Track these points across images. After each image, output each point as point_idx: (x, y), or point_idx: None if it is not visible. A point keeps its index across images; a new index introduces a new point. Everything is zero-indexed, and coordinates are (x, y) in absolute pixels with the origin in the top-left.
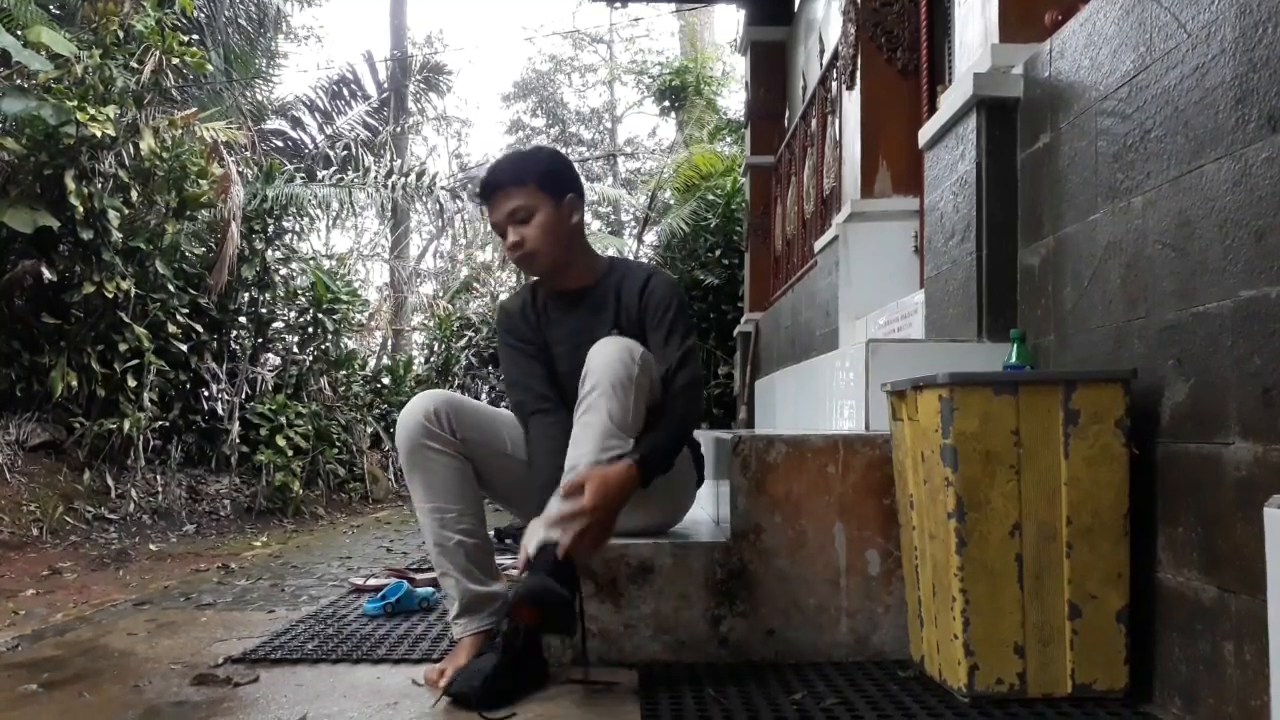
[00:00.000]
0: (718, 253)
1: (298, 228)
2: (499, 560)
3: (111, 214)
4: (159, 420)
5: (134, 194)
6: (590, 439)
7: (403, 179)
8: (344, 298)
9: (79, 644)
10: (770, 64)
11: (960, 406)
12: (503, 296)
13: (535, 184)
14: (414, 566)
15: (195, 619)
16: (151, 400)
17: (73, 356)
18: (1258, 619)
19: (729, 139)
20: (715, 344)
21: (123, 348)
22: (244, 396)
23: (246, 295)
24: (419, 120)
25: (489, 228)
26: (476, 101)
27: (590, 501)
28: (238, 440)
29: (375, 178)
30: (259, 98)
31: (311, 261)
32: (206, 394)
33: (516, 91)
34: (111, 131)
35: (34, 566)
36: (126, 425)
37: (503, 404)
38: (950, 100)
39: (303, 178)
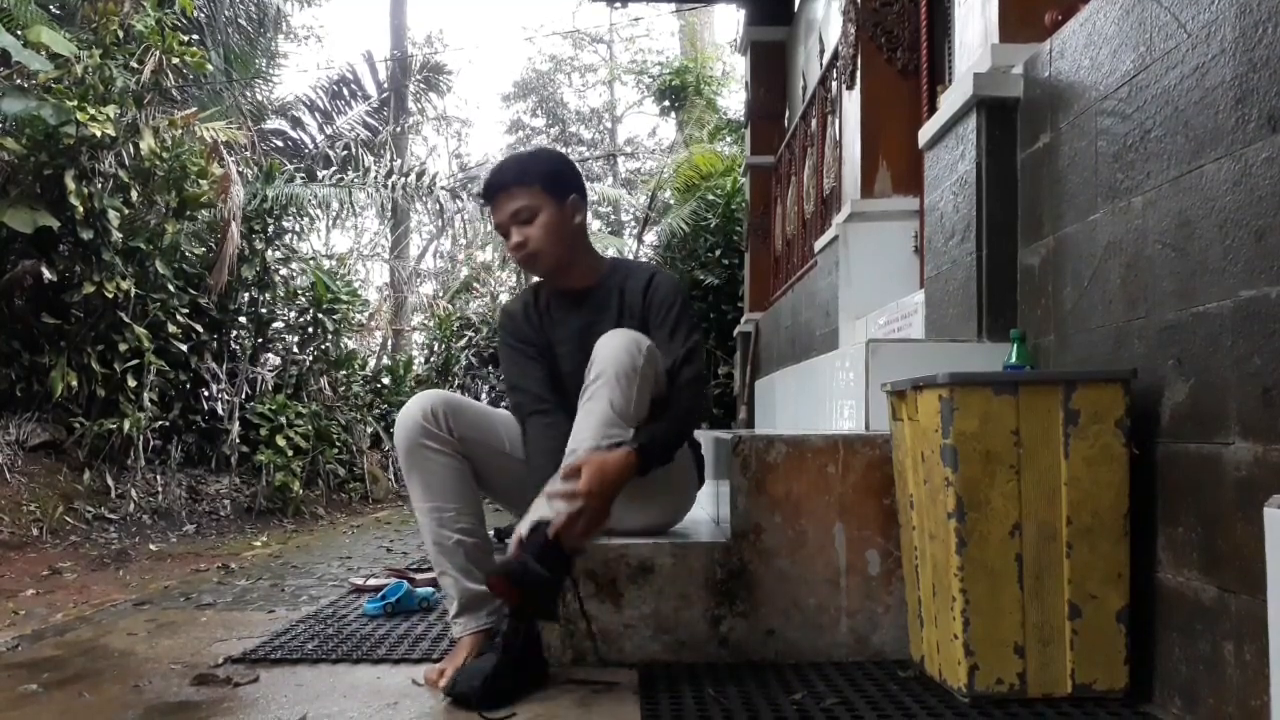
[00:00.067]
0: (718, 253)
1: (298, 228)
2: (498, 559)
3: (111, 214)
4: (159, 420)
5: (134, 194)
6: (591, 426)
7: (403, 179)
8: (344, 298)
9: (79, 644)
10: (770, 64)
11: (960, 406)
12: (503, 296)
13: (539, 185)
14: (414, 566)
15: (195, 619)
16: (151, 400)
17: (73, 356)
18: (1258, 619)
19: (729, 139)
20: (715, 344)
21: (123, 348)
22: (244, 396)
23: (246, 295)
24: (419, 120)
25: (490, 228)
26: (476, 101)
27: (586, 485)
28: (238, 440)
29: (375, 178)
30: (259, 98)
31: (311, 261)
32: (206, 394)
33: (516, 91)
34: (111, 131)
35: (34, 566)
36: (126, 425)
37: (502, 404)
38: (950, 100)
39: (303, 178)
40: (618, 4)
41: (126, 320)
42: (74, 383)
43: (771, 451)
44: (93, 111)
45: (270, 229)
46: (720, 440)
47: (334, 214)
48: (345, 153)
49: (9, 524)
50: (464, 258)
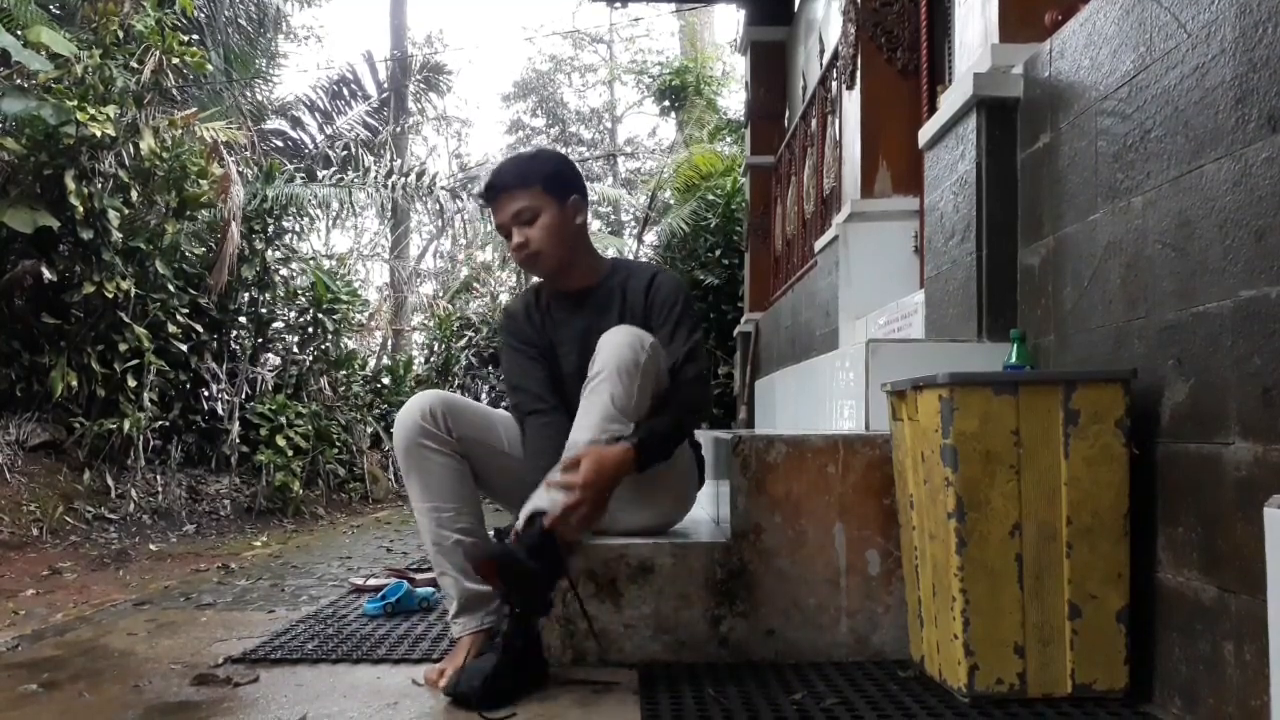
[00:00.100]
0: (718, 253)
1: (298, 228)
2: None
3: (111, 214)
4: (159, 420)
5: (134, 194)
6: (591, 420)
7: (403, 179)
8: (344, 298)
9: (79, 644)
10: (770, 64)
11: (960, 406)
12: (503, 296)
13: (540, 186)
14: (414, 566)
15: (195, 619)
16: (151, 400)
17: (73, 356)
18: (1258, 619)
19: (729, 139)
20: (715, 344)
21: (123, 348)
22: (244, 396)
23: (246, 295)
24: (419, 120)
25: (491, 228)
26: (476, 101)
27: (584, 477)
28: (238, 440)
29: (375, 178)
30: (259, 98)
31: (311, 261)
32: (206, 394)
33: (516, 91)
34: (111, 131)
35: (34, 566)
36: (126, 425)
37: (502, 404)
38: (950, 100)
39: (303, 178)
40: (618, 4)
41: (126, 320)
42: (74, 383)
43: (771, 451)
44: (93, 111)
45: (270, 229)
46: (720, 440)
47: (334, 214)
48: (345, 153)
49: (9, 524)
50: (464, 258)
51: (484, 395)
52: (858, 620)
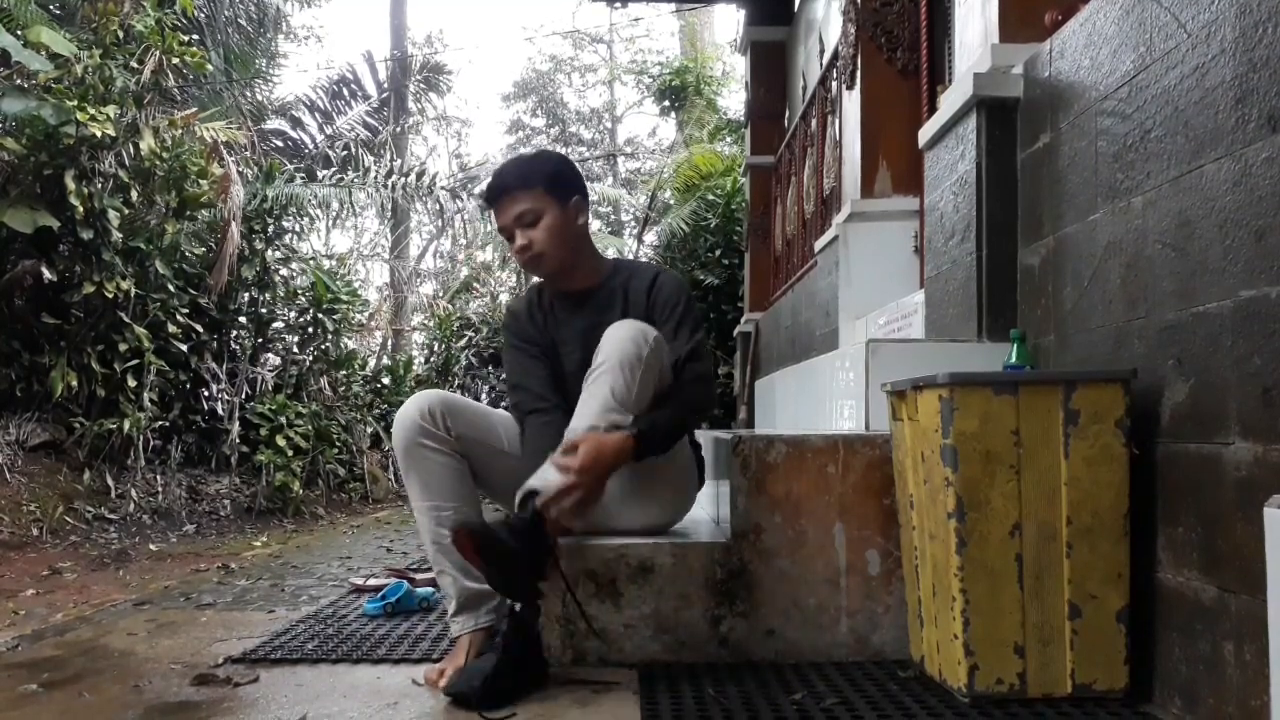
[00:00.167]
0: (718, 253)
1: (298, 228)
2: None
3: (111, 214)
4: (159, 420)
5: (134, 194)
6: (591, 408)
7: (403, 179)
8: (344, 298)
9: (79, 644)
10: (770, 64)
11: (960, 406)
12: (503, 296)
13: (542, 187)
14: (414, 566)
15: (195, 619)
16: (151, 400)
17: (73, 356)
18: (1258, 619)
19: (729, 139)
20: (715, 344)
21: (123, 348)
22: (244, 396)
23: (246, 295)
24: (419, 120)
25: (490, 229)
26: (476, 101)
27: (581, 461)
28: (238, 440)
29: (375, 178)
30: (259, 98)
31: (311, 261)
32: (206, 394)
33: (516, 91)
34: (111, 131)
35: (34, 566)
36: (126, 425)
37: (502, 404)
38: (950, 100)
39: (303, 178)
40: (618, 4)
41: (126, 320)
42: (74, 383)
43: (771, 451)
44: (93, 111)
45: (270, 229)
46: (720, 440)
47: (334, 214)
48: (345, 153)
49: (9, 524)
50: (464, 258)
51: (484, 395)
52: (858, 620)
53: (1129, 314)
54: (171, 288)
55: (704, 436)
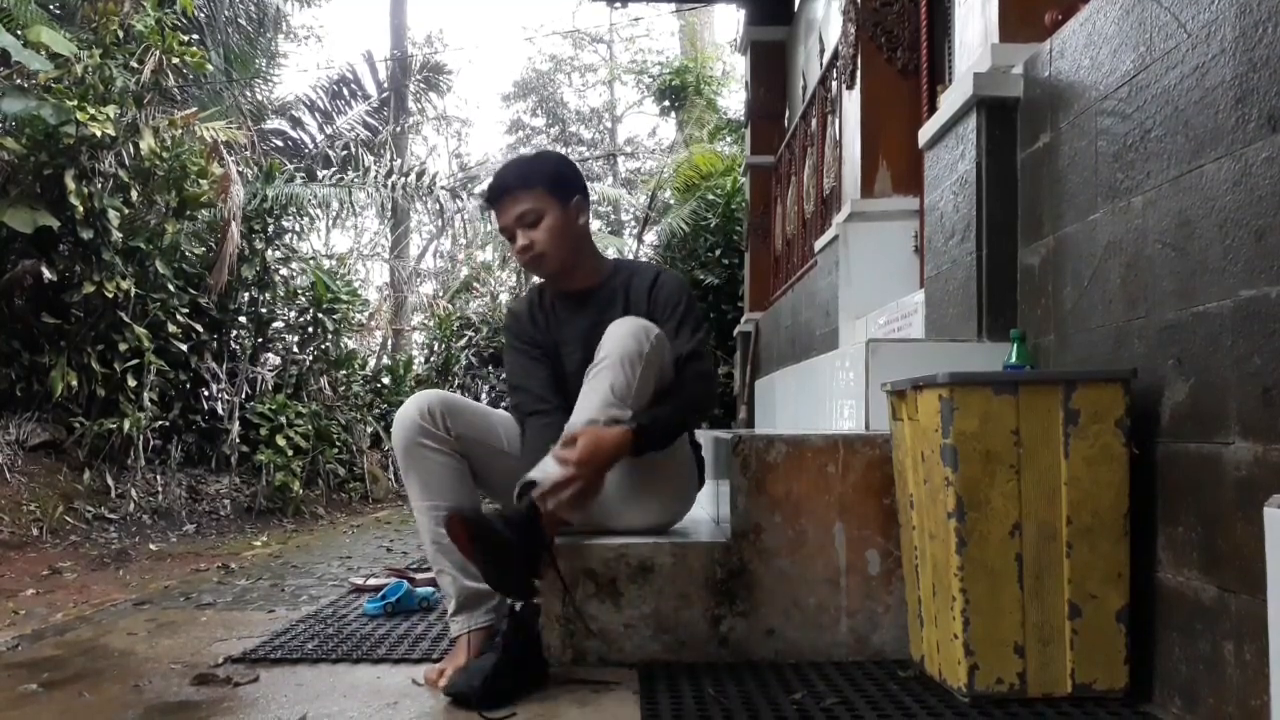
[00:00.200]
0: (718, 253)
1: (298, 228)
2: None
3: (111, 214)
4: (159, 420)
5: (134, 194)
6: (591, 402)
7: (403, 179)
8: (344, 297)
9: (79, 644)
10: (770, 64)
11: (960, 406)
12: (503, 296)
13: (542, 187)
14: (414, 566)
15: (195, 619)
16: (151, 400)
17: (73, 356)
18: (1258, 619)
19: (729, 139)
20: (715, 344)
21: (123, 347)
22: (244, 396)
23: (246, 295)
24: (419, 120)
25: (490, 229)
26: (476, 101)
27: (579, 454)
28: (238, 440)
29: (375, 177)
30: (259, 98)
31: (311, 261)
32: (206, 394)
33: (516, 91)
34: (111, 131)
35: (34, 566)
36: (126, 425)
37: (503, 404)
38: (950, 100)
39: (303, 178)
40: (618, 4)
41: (126, 320)
42: (74, 382)
43: (771, 451)
44: (93, 111)
45: (270, 229)
46: (720, 440)
47: (334, 214)
48: (345, 152)
49: (9, 524)
50: (464, 257)
51: (484, 395)
52: (858, 620)
53: (1129, 314)
54: (171, 287)
55: (704, 436)
